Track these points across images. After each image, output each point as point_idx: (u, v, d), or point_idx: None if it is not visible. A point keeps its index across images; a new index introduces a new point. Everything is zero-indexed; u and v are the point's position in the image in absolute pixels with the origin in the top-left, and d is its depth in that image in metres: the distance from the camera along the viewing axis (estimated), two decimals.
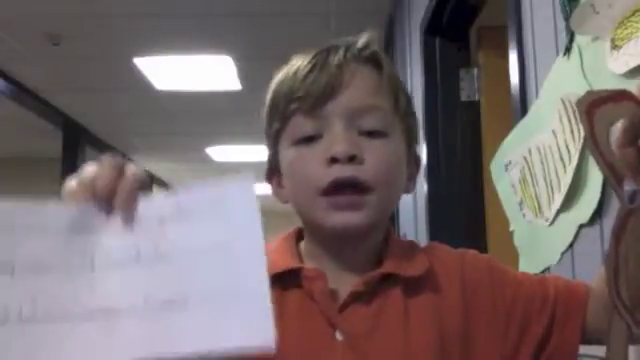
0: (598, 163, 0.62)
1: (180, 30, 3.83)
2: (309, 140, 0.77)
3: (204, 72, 4.55)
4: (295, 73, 0.79)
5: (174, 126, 5.94)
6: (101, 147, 6.46)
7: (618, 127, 0.60)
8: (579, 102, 0.61)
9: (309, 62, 0.79)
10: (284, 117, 0.79)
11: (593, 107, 0.61)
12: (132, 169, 0.59)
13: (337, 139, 0.75)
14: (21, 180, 7.05)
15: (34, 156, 6.90)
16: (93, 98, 5.15)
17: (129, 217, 0.58)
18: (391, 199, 0.81)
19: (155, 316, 0.55)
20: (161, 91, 4.89)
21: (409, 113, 0.83)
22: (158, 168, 7.77)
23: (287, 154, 0.79)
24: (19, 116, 5.42)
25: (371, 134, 0.77)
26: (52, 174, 5.74)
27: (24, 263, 0.56)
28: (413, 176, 0.84)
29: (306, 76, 0.78)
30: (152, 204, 0.59)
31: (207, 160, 7.20)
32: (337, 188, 0.75)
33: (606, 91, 0.62)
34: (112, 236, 0.58)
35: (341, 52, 0.79)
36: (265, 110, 0.83)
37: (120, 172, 0.59)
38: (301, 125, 0.77)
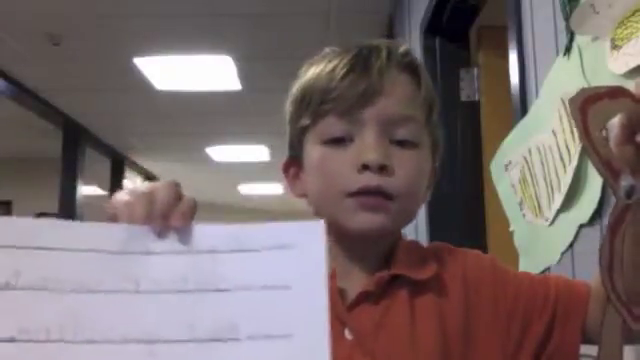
0: (591, 159, 0.61)
1: (180, 30, 3.83)
2: (338, 141, 0.76)
3: (204, 72, 4.54)
4: (332, 71, 0.77)
5: (174, 126, 5.93)
6: (101, 147, 6.46)
7: (614, 123, 0.59)
8: (572, 99, 0.61)
9: (348, 62, 0.76)
10: (316, 115, 0.77)
11: (587, 103, 0.61)
12: (188, 195, 0.58)
13: (370, 147, 0.74)
14: (21, 180, 7.06)
15: (34, 156, 6.89)
16: (93, 98, 5.14)
17: (182, 239, 0.55)
18: (413, 209, 0.80)
19: (200, 348, 0.53)
20: (161, 91, 4.88)
21: (438, 126, 0.82)
22: (158, 168, 7.77)
23: (314, 152, 0.78)
24: (19, 116, 5.41)
25: (402, 143, 0.76)
26: (52, 174, 5.75)
27: (68, 282, 0.54)
28: (430, 186, 0.83)
29: (344, 77, 0.76)
30: (205, 232, 0.56)
31: (207, 160, 7.19)
32: (364, 194, 0.74)
33: (602, 87, 0.62)
34: (160, 259, 0.55)
35: (383, 56, 0.77)
36: (292, 101, 0.81)
37: (178, 193, 0.57)
38: (332, 126, 0.76)
